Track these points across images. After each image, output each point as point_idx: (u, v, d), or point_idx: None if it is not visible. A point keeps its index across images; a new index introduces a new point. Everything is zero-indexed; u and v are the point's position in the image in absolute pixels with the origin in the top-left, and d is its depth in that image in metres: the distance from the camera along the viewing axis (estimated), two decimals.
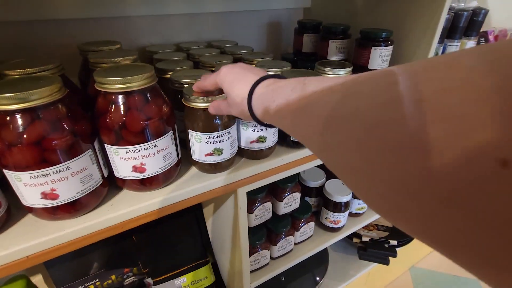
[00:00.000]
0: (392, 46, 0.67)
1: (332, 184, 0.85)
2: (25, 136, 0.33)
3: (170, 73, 0.55)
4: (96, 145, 0.41)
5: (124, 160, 0.41)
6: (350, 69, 0.60)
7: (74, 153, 0.37)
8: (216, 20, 0.86)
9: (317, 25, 0.81)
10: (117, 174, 0.43)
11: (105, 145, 0.41)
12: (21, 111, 0.32)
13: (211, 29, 0.86)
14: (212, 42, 0.82)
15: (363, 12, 0.80)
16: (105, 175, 0.43)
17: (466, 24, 0.88)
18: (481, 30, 0.96)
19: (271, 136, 0.53)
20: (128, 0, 0.69)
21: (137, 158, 0.41)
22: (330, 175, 0.88)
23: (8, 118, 0.33)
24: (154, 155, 0.42)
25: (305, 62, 0.79)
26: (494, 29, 1.12)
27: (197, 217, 0.80)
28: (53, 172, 0.35)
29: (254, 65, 0.62)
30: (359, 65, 0.69)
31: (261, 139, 0.51)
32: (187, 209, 0.52)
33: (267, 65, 0.58)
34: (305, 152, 0.59)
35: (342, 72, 0.58)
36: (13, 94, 0.31)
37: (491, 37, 1.02)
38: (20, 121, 0.33)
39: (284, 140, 0.58)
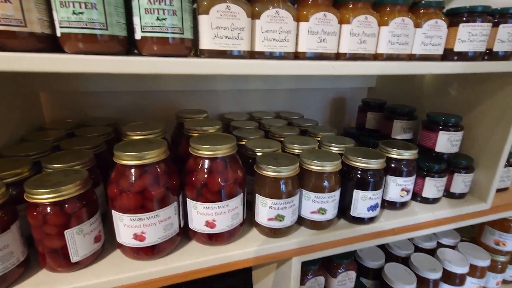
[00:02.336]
0: (462, 132, 0.66)
1: (393, 269, 0.78)
2: (134, 186, 0.42)
3: (245, 141, 0.63)
4: (180, 198, 0.48)
5: (200, 214, 0.47)
6: (415, 151, 0.60)
7: (164, 203, 0.44)
8: (286, 95, 0.97)
9: (381, 104, 0.85)
10: (191, 226, 0.49)
11: (187, 199, 0.48)
12: (136, 166, 0.42)
13: (280, 101, 0.97)
14: (281, 112, 0.92)
15: (430, 95, 0.82)
16: (181, 226, 0.49)
17: None
18: None
19: (332, 209, 0.54)
20: (218, 77, 0.85)
21: (211, 214, 0.47)
22: (389, 257, 0.82)
23: (125, 171, 0.42)
24: (225, 214, 0.47)
25: (368, 137, 0.82)
26: None
27: (245, 279, 0.80)
28: (146, 217, 0.42)
29: (319, 139, 0.67)
30: (426, 147, 0.69)
31: (322, 211, 0.53)
32: (237, 270, 0.54)
33: (331, 140, 0.63)
34: (365, 229, 0.58)
35: (407, 154, 0.59)
36: (133, 153, 0.41)
37: None
38: (133, 174, 0.42)
39: (344, 214, 0.58)
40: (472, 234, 0.92)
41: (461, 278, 0.79)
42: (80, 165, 0.48)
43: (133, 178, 0.42)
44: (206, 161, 0.46)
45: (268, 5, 0.44)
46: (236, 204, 0.48)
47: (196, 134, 0.55)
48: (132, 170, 0.42)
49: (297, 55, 0.49)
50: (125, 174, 0.42)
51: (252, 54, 0.46)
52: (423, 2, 0.55)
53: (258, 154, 0.56)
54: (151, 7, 0.38)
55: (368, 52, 0.52)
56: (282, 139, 0.67)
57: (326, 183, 0.52)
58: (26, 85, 0.70)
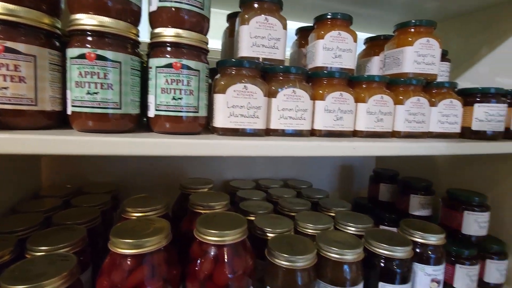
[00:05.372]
0: (489, 212, 0.61)
1: None
2: (129, 279, 0.35)
3: (252, 215, 0.58)
4: None
5: None
6: (443, 235, 0.55)
7: None
8: (294, 162, 0.94)
9: (394, 175, 0.81)
10: None
11: None
12: (133, 256, 0.36)
13: (287, 168, 0.94)
14: (288, 180, 0.88)
15: (446, 169, 0.79)
16: None
17: None
18: None
19: None
20: None
21: None
22: None
23: (120, 260, 0.36)
24: None
25: (383, 211, 0.76)
26: None
27: None
28: None
29: (333, 215, 0.62)
30: (451, 228, 0.63)
31: None
32: None
33: (347, 219, 0.58)
34: None
35: (433, 238, 0.54)
36: (131, 240, 0.36)
37: None
38: (129, 264, 0.36)
39: None
40: None
41: None
42: (70, 247, 0.42)
43: (128, 270, 0.36)
44: (212, 248, 0.41)
45: (284, 84, 0.44)
46: None
47: (201, 211, 0.50)
48: (128, 260, 0.36)
49: (313, 132, 0.47)
50: (119, 265, 0.36)
51: (267, 132, 0.44)
52: (435, 82, 0.55)
53: (269, 234, 0.51)
54: (168, 87, 0.37)
55: (385, 130, 0.50)
56: (293, 213, 0.62)
57: (347, 274, 0.46)
58: None
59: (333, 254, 0.46)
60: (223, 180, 0.87)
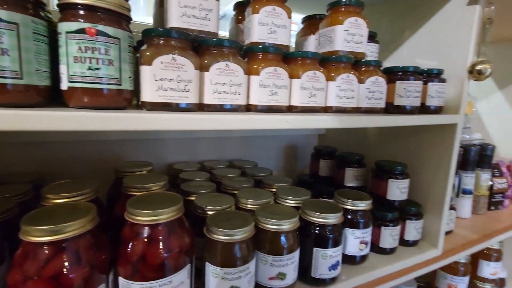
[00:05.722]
0: (408, 179, 0.69)
1: None
2: (46, 269, 0.32)
3: (194, 196, 0.57)
4: (111, 277, 0.39)
5: None
6: (370, 201, 0.60)
7: (87, 287, 0.35)
8: (239, 143, 0.94)
9: (332, 152, 0.87)
10: None
11: (119, 278, 0.39)
12: (51, 243, 0.33)
13: (233, 149, 0.94)
14: (234, 161, 0.88)
15: (375, 143, 0.86)
16: None
17: (477, 157, 0.93)
18: (492, 162, 1.00)
19: (292, 273, 0.49)
20: None
21: None
22: None
23: (35, 249, 0.33)
24: None
25: (322, 185, 0.81)
26: (504, 160, 1.16)
27: None
28: None
29: (274, 190, 0.64)
30: (378, 195, 0.70)
31: (281, 276, 0.48)
32: None
33: (287, 192, 0.60)
34: None
35: (362, 204, 0.59)
36: (48, 227, 0.33)
37: (504, 169, 1.05)
38: (46, 253, 0.33)
39: (305, 276, 0.54)
40: (427, 279, 0.93)
41: None
42: None
43: (45, 259, 0.33)
44: (146, 229, 0.39)
45: (217, 58, 0.43)
46: (181, 278, 0.41)
47: (136, 193, 0.48)
48: (45, 248, 0.33)
49: (249, 108, 0.47)
50: (34, 255, 0.33)
51: (200, 107, 0.43)
52: (363, 60, 0.59)
53: (209, 212, 0.50)
54: (82, 55, 0.33)
55: (318, 105, 0.52)
56: (236, 191, 0.62)
57: (284, 243, 0.48)
58: None
59: (270, 225, 0.47)
60: (166, 164, 0.83)
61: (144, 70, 0.38)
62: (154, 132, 0.79)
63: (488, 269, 0.96)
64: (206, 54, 0.43)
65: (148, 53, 0.38)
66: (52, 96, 0.36)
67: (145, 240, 0.39)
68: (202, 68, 0.42)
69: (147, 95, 0.38)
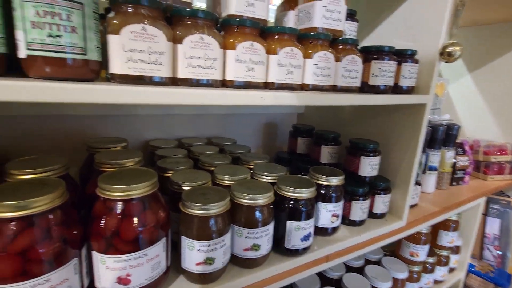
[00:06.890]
0: (380, 156, 0.72)
1: None
2: (13, 245, 0.32)
3: (171, 172, 0.57)
4: (83, 252, 0.39)
5: (110, 270, 0.38)
6: (342, 177, 0.63)
7: (59, 262, 0.35)
8: (217, 120, 0.94)
9: (310, 130, 0.88)
10: (98, 285, 0.40)
11: (93, 252, 0.39)
12: (17, 218, 0.32)
13: (212, 126, 0.93)
14: (212, 138, 0.87)
15: (351, 122, 0.89)
16: (85, 286, 0.40)
17: (444, 136, 0.98)
18: (457, 141, 1.06)
19: (266, 244, 0.51)
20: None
21: (124, 268, 0.39)
22: (324, 281, 0.83)
23: (0, 226, 0.32)
24: (143, 265, 0.40)
25: (299, 162, 0.83)
26: (467, 139, 1.24)
27: None
28: (29, 286, 0.32)
29: (252, 167, 0.65)
30: (351, 171, 0.73)
31: (255, 247, 0.50)
32: None
33: (263, 169, 0.61)
34: (300, 260, 0.57)
35: (334, 180, 0.61)
36: (12, 202, 0.32)
37: (467, 147, 1.12)
38: (12, 229, 0.32)
39: (278, 247, 0.56)
40: (392, 248, 1.01)
41: None
42: None
43: (12, 235, 0.32)
44: (119, 204, 0.39)
45: (191, 30, 0.41)
46: (157, 251, 0.41)
47: (109, 169, 0.47)
48: (11, 225, 0.32)
49: (224, 83, 0.47)
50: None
51: (174, 81, 0.42)
52: (340, 39, 0.59)
53: (185, 188, 0.51)
54: (40, 20, 0.30)
55: (295, 83, 0.52)
56: (213, 168, 0.63)
57: (259, 217, 0.50)
58: None
59: (246, 200, 0.49)
60: (142, 141, 0.81)
61: (112, 39, 0.36)
62: (130, 108, 0.76)
63: (446, 238, 1.05)
64: (180, 25, 0.41)
65: (116, 21, 0.35)
66: (8, 65, 0.33)
67: (119, 215, 0.38)
68: (175, 40, 0.40)
69: (116, 67, 0.36)
